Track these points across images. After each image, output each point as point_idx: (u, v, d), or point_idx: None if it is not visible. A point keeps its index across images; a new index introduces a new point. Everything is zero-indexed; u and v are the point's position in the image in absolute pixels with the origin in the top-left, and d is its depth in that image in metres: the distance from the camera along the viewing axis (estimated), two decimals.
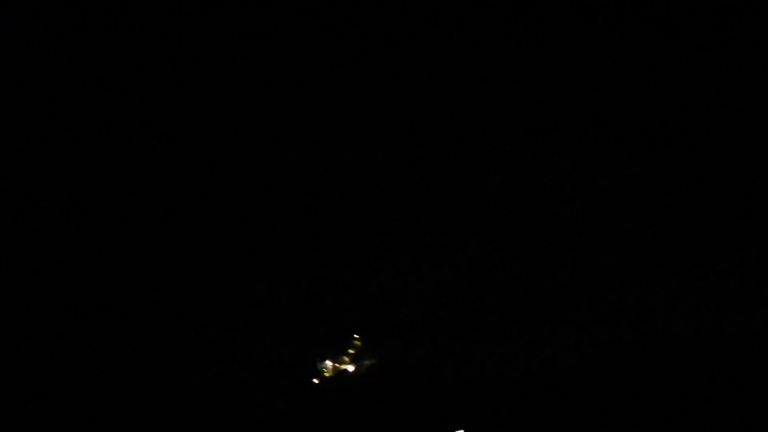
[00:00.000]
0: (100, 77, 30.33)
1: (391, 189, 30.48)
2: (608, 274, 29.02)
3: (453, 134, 30.90)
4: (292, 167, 30.54)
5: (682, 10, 30.31)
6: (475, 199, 30.38)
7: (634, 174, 30.14)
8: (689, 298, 28.22)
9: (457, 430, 25.77)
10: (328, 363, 27.54)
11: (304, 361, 27.78)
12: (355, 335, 28.08)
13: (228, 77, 30.78)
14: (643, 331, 27.74)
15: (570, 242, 29.58)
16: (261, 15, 30.74)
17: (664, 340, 27.42)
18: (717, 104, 30.21)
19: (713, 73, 30.29)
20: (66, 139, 29.95)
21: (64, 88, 30.14)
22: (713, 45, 30.25)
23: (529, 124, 30.86)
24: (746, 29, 30.10)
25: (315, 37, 30.89)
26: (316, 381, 27.46)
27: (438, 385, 26.99)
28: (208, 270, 29.07)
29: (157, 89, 30.46)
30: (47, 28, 29.95)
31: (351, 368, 27.64)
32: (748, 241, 28.94)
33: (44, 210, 29.28)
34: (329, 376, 27.47)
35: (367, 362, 27.60)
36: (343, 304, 28.78)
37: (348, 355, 27.71)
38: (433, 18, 31.07)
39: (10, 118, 29.70)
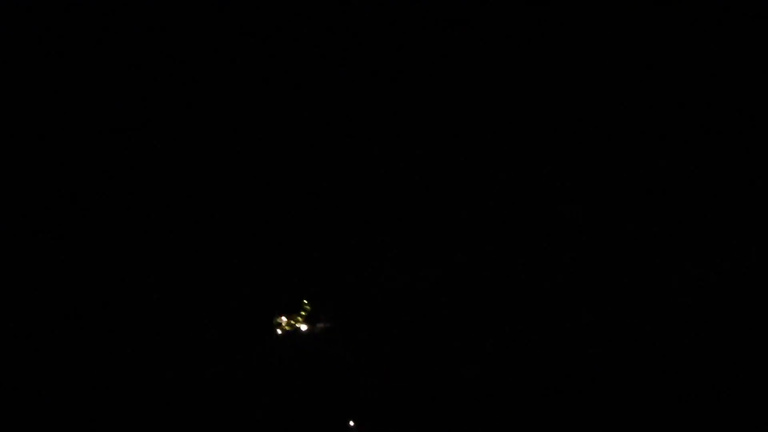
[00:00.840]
0: (99, 77, 30.38)
1: (391, 189, 30.51)
2: (609, 274, 29.05)
3: (453, 134, 30.93)
4: (291, 167, 30.57)
5: (683, 10, 30.34)
6: (475, 199, 30.39)
7: (634, 174, 30.17)
8: (690, 298, 28.26)
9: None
10: (283, 318, 27.61)
11: (304, 360, 27.81)
12: (305, 300, 28.21)
13: (228, 77, 30.82)
14: (644, 331, 27.78)
15: (570, 242, 29.60)
16: (261, 15, 30.77)
17: (664, 341, 27.47)
18: (717, 104, 30.24)
19: (713, 73, 30.32)
20: (65, 139, 29.99)
21: (63, 88, 30.18)
22: (713, 45, 30.27)
23: (530, 124, 30.88)
24: (746, 29, 30.13)
25: (315, 38, 30.92)
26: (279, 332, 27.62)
27: (436, 384, 27.04)
28: (208, 270, 29.09)
29: (157, 89, 30.50)
30: (47, 28, 29.99)
31: (304, 327, 27.69)
32: (749, 241, 28.98)
33: (44, 210, 29.31)
34: (284, 332, 27.54)
35: (320, 325, 27.65)
36: (343, 303, 28.81)
37: (301, 316, 27.82)
38: (433, 18, 31.09)
39: (10, 118, 29.74)
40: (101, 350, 27.42)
